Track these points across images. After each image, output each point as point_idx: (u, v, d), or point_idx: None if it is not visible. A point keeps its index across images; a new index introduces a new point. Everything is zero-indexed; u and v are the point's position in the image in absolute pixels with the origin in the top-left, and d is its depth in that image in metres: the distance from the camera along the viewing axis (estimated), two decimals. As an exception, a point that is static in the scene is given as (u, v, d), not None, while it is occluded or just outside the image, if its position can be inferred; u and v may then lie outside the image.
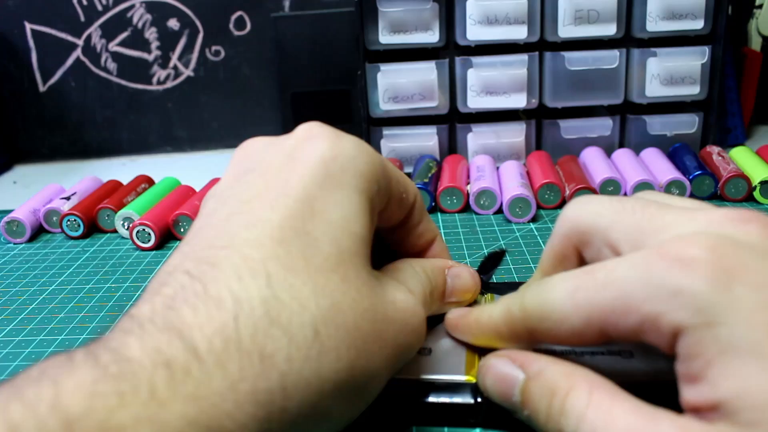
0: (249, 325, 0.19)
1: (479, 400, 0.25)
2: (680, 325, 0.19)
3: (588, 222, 0.24)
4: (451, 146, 0.58)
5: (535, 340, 0.23)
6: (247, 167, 0.25)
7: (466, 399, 0.25)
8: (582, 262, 0.25)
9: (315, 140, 0.24)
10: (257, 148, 0.26)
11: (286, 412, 0.19)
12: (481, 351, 0.27)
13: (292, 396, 0.19)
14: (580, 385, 0.21)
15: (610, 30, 0.54)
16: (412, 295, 0.25)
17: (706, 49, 0.55)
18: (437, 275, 0.28)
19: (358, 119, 0.59)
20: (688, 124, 0.57)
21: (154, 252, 0.45)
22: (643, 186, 0.48)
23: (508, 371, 0.23)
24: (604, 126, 0.57)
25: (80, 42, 0.72)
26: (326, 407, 0.20)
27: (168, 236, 0.47)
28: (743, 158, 0.51)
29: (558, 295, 0.22)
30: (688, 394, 0.19)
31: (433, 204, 0.49)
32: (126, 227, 0.48)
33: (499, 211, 0.48)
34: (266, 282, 0.20)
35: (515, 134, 0.57)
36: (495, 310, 0.25)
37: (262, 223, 0.21)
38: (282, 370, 0.19)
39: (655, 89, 0.55)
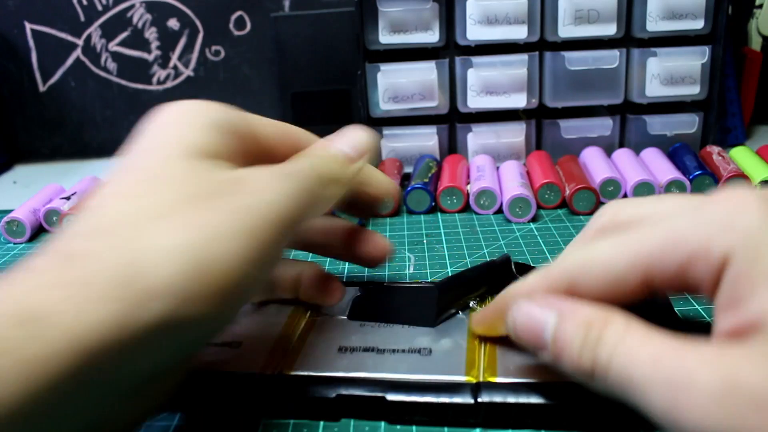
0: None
1: (479, 400, 0.25)
2: (730, 252, 0.20)
3: (629, 212, 0.25)
4: (451, 146, 0.58)
5: (574, 295, 0.23)
6: None
7: (466, 399, 0.25)
8: None
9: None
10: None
11: None
12: (482, 351, 0.27)
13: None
14: (617, 318, 0.21)
15: (610, 30, 0.54)
16: (268, 170, 0.25)
17: (706, 49, 0.55)
18: (312, 148, 0.29)
19: (358, 119, 0.59)
20: (688, 124, 0.57)
21: (154, 252, 0.45)
22: (643, 186, 0.48)
23: (539, 312, 0.23)
24: (604, 126, 0.57)
25: (80, 42, 0.72)
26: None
27: (168, 236, 0.47)
28: (743, 158, 0.51)
29: (602, 246, 0.23)
30: (725, 321, 0.20)
31: (433, 204, 0.49)
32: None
33: (499, 211, 0.48)
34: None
35: (515, 134, 0.57)
36: (528, 278, 0.25)
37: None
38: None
39: (655, 89, 0.55)
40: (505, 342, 0.27)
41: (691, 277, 0.21)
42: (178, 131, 0.25)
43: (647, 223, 0.22)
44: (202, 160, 0.23)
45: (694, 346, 0.19)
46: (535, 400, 0.24)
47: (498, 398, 0.25)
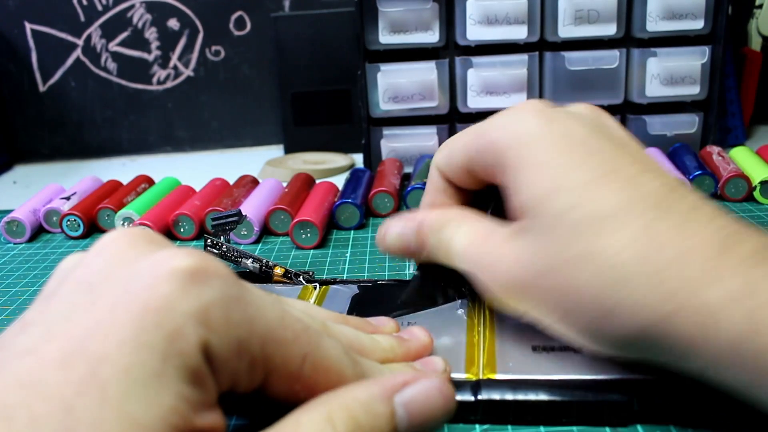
0: None
1: (479, 397, 0.25)
2: (506, 147, 0.25)
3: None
4: (451, 146, 0.58)
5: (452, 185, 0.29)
6: (47, 297, 0.19)
7: (466, 396, 0.25)
8: None
9: (128, 274, 0.18)
10: (63, 269, 0.20)
11: None
12: (480, 348, 0.27)
13: None
14: (454, 214, 0.28)
15: (610, 30, 0.54)
16: None
17: (706, 49, 0.55)
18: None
19: (358, 119, 0.59)
20: (688, 124, 0.57)
21: (154, 252, 0.45)
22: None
23: (403, 225, 0.29)
24: (604, 126, 0.57)
25: (80, 42, 0.72)
26: None
27: (168, 236, 0.47)
28: (743, 158, 0.51)
29: (456, 143, 0.28)
30: (511, 203, 0.25)
31: (433, 204, 0.49)
32: (126, 227, 0.48)
33: (499, 211, 0.48)
34: None
35: (515, 134, 0.57)
36: (426, 193, 0.30)
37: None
38: None
39: (655, 89, 0.55)
40: (504, 338, 0.27)
41: (488, 167, 0.26)
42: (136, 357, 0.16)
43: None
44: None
45: (494, 233, 0.26)
46: (534, 396, 0.24)
47: (498, 395, 0.25)
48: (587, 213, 0.23)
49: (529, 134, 0.25)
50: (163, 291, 0.16)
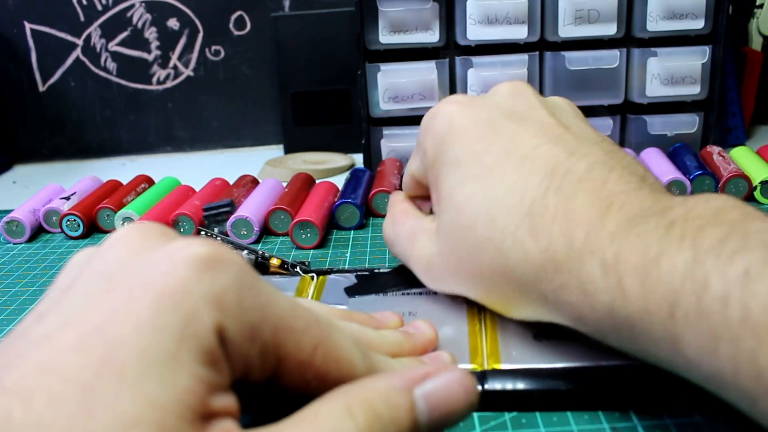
0: None
1: (486, 387, 0.25)
2: (429, 147, 0.29)
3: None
4: (452, 146, 0.58)
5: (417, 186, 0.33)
6: (62, 289, 0.19)
7: None
8: None
9: (141, 264, 0.18)
10: (76, 262, 0.20)
11: None
12: (483, 337, 0.27)
13: None
14: (398, 217, 0.33)
15: (610, 30, 0.54)
16: None
17: (707, 49, 0.55)
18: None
19: (358, 119, 0.59)
20: (688, 123, 0.57)
21: (153, 252, 0.45)
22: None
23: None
24: (605, 126, 0.57)
25: (80, 42, 0.72)
26: None
27: (168, 236, 0.47)
28: (744, 158, 0.51)
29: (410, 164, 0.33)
30: (432, 196, 0.29)
31: (433, 204, 0.49)
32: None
33: (500, 211, 0.48)
34: None
35: (515, 134, 0.57)
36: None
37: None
38: None
39: (655, 89, 0.55)
40: (505, 327, 0.28)
41: (429, 165, 0.29)
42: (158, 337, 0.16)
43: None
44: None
45: (421, 231, 0.30)
46: (539, 385, 0.25)
47: (504, 385, 0.25)
48: (482, 200, 0.25)
49: (441, 140, 0.28)
50: (179, 276, 0.17)
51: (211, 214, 0.39)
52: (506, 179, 0.25)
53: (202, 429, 0.16)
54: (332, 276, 0.34)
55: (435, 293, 0.31)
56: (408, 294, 0.32)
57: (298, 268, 0.36)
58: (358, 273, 0.35)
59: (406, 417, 0.18)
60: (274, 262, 0.36)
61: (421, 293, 0.32)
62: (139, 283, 0.17)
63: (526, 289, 0.24)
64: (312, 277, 0.35)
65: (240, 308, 0.17)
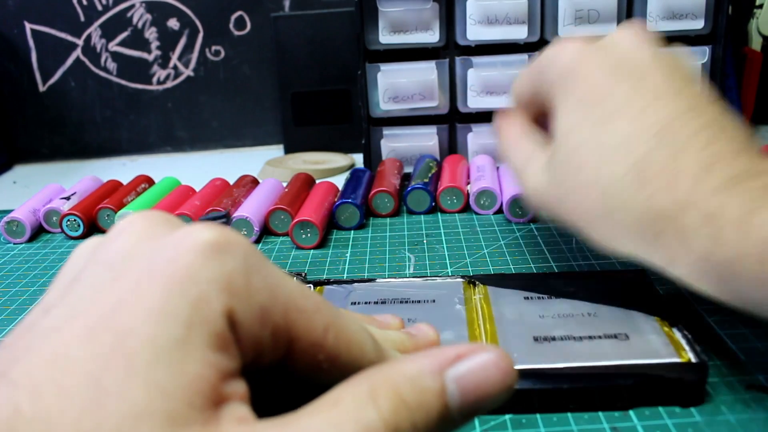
0: None
1: None
2: (552, 79, 0.31)
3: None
4: (451, 146, 0.58)
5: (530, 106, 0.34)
6: (68, 281, 0.19)
7: None
8: None
9: (149, 250, 0.18)
10: (81, 253, 0.20)
11: None
12: (483, 341, 0.27)
13: None
14: (513, 142, 0.34)
15: (610, 30, 0.54)
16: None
17: (707, 49, 0.55)
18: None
19: (358, 119, 0.59)
20: (688, 124, 0.57)
21: (154, 252, 0.45)
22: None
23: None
24: (605, 126, 0.57)
25: (80, 42, 0.72)
26: None
27: (168, 236, 0.47)
28: (743, 158, 0.51)
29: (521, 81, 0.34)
30: (551, 126, 0.30)
31: (433, 204, 0.49)
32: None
33: (500, 211, 0.48)
34: None
35: (515, 134, 0.57)
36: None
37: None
38: None
39: (655, 89, 0.55)
40: (505, 331, 0.28)
41: (545, 93, 0.31)
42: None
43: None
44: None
45: (534, 159, 0.32)
46: (539, 385, 0.25)
47: None
48: (593, 148, 0.28)
49: (564, 77, 0.30)
50: (187, 261, 0.17)
51: None
52: (619, 131, 0.27)
53: (213, 415, 0.16)
54: (329, 286, 0.34)
55: (433, 300, 0.32)
56: (406, 302, 0.32)
57: (295, 278, 0.36)
58: (357, 282, 0.34)
59: (436, 402, 0.16)
60: None
61: (419, 301, 0.32)
62: (146, 271, 0.17)
63: (625, 231, 0.26)
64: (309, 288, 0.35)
65: (249, 291, 0.17)
